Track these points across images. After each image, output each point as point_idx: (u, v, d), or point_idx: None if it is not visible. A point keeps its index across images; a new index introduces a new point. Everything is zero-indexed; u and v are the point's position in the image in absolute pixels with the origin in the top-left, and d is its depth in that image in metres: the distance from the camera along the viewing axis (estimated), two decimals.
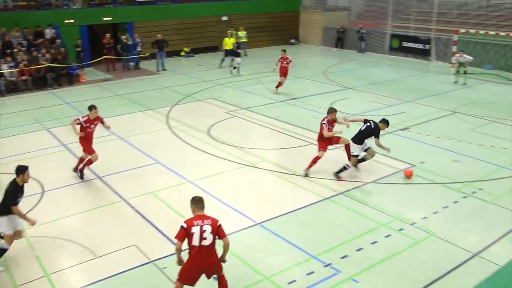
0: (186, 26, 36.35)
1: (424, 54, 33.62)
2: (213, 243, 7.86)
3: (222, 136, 17.55)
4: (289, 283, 9.23)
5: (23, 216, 9.82)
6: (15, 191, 9.73)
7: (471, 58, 26.02)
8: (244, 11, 39.30)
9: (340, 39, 39.09)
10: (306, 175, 14.15)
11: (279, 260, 9.97)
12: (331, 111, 14.07)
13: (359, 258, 9.99)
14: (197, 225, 7.79)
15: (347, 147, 14.26)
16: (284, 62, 24.02)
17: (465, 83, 25.92)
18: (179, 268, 8.10)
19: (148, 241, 10.75)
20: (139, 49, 31.23)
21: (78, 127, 13.83)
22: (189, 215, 8.06)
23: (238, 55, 29.11)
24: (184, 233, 7.78)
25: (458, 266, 9.75)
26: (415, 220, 11.53)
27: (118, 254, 10.26)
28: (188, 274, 8.03)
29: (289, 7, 42.37)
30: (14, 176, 9.81)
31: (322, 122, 14.05)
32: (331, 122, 14.11)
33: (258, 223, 11.42)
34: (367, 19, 39.26)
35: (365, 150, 14.13)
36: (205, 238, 7.77)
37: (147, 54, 31.29)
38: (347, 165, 14.01)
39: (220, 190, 13.20)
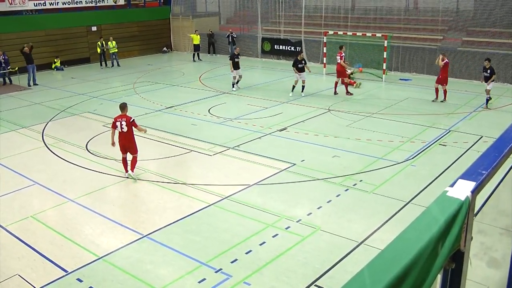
0: (54, 37, 34.88)
1: (296, 56, 34.61)
2: (129, 131, 14.10)
3: (101, 150, 17.07)
4: None
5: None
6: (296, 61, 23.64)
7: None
8: (113, 21, 38.43)
9: (211, 44, 39.42)
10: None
11: (169, 270, 9.87)
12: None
13: (249, 261, 10.12)
14: (119, 120, 14.08)
15: None
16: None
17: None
18: None
19: (32, 268, 10.19)
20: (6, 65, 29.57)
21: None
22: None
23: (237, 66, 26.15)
24: (114, 124, 14.16)
25: (345, 256, 10.17)
26: (300, 217, 11.87)
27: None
28: (120, 147, 14.32)
29: (159, 15, 42.09)
30: None
31: None
32: None
33: (145, 236, 11.23)
34: (238, 23, 39.90)
35: None
36: (122, 128, 14.04)
37: (16, 69, 29.68)
38: None
39: (104, 206, 12.84)
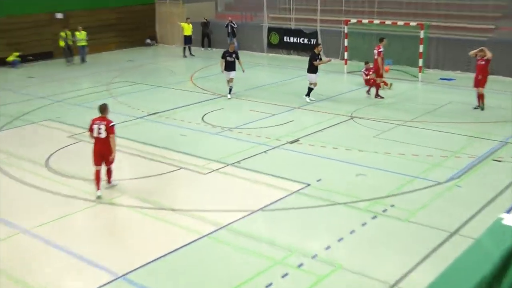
0: (7, 27, 34.86)
1: (310, 50, 34.57)
2: (107, 137, 14.59)
3: (66, 167, 17.01)
4: None
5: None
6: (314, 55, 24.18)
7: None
8: (84, 6, 38.55)
9: (206, 36, 39.51)
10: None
11: None
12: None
13: None
14: (96, 123, 14.68)
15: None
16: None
17: None
18: None
19: None
20: None
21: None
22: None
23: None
24: (91, 128, 14.77)
25: None
26: (316, 252, 11.75)
27: None
28: (94, 157, 14.81)
29: (142, 0, 42.22)
30: None
31: None
32: None
33: (121, 276, 11.12)
34: (239, 10, 39.96)
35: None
36: (100, 133, 14.59)
37: None
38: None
39: (68, 238, 12.71)
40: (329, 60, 26.01)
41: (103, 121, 14.70)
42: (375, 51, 24.78)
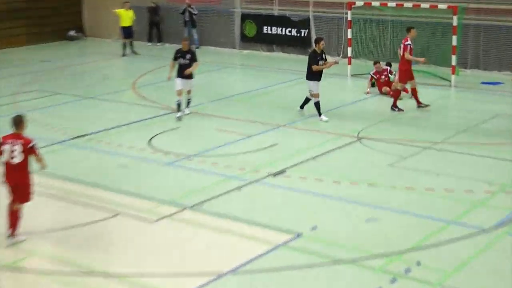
0: None
1: (300, 44, 34.74)
2: (23, 162, 14.35)
3: None
4: None
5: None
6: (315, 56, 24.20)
7: None
8: None
9: (155, 26, 39.55)
10: None
11: None
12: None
13: None
14: (8, 143, 14.25)
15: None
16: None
17: None
18: None
19: None
20: None
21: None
22: None
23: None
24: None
25: None
26: None
27: None
28: (7, 188, 14.55)
29: None
30: None
31: None
32: None
33: None
34: None
35: None
36: (14, 156, 14.20)
37: None
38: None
39: None
40: (335, 63, 25.35)
41: (19, 140, 14.31)
42: (401, 45, 24.67)
